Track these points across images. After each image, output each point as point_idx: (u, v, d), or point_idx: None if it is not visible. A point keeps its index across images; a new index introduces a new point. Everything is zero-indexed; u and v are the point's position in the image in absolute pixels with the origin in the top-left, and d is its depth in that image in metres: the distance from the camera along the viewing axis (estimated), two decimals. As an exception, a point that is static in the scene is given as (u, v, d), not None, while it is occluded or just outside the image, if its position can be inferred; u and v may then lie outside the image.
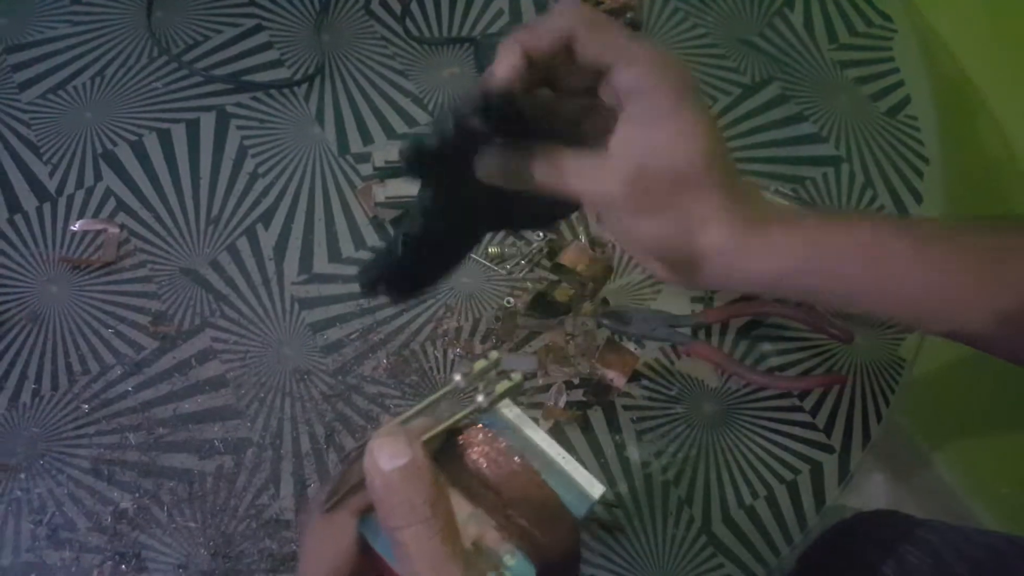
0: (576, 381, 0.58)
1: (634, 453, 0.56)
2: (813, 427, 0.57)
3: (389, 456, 0.30)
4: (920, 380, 0.60)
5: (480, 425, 0.35)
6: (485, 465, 0.34)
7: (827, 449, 0.57)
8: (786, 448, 0.57)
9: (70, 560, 0.51)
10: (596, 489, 0.35)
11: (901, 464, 1.25)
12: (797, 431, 0.57)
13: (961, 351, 1.07)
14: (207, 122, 0.67)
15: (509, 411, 0.36)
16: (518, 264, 0.62)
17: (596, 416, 0.57)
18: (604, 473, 0.55)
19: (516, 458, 0.34)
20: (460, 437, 0.35)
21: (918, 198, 0.67)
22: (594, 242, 0.63)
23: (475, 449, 0.34)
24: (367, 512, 0.33)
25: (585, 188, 0.36)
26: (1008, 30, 0.79)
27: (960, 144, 0.84)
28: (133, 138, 0.66)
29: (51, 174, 0.64)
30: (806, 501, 0.55)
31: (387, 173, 0.63)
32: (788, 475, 0.56)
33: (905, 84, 0.73)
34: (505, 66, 0.36)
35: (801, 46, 0.74)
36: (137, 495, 0.53)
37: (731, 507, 0.55)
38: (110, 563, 0.51)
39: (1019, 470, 1.09)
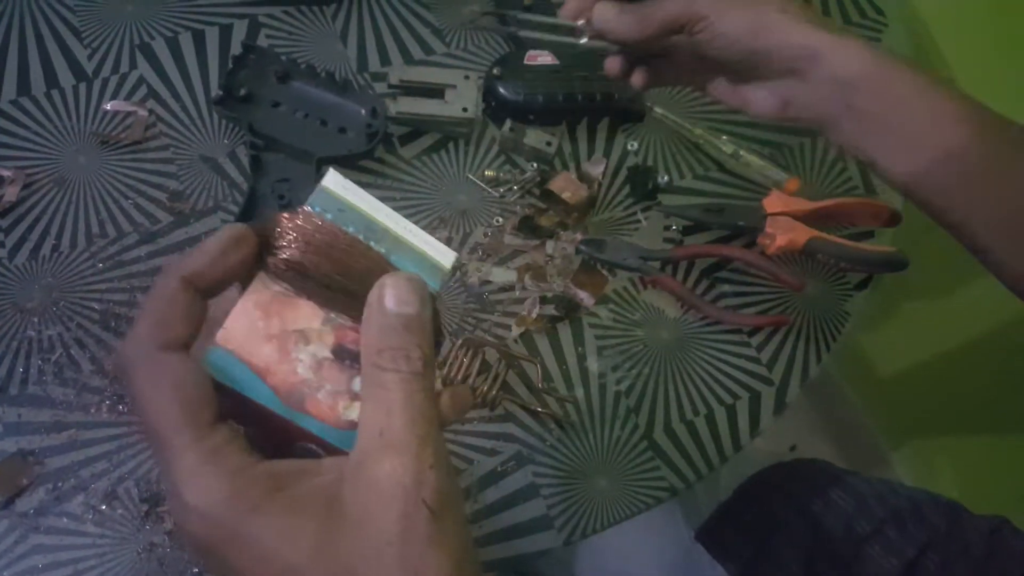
0: (550, 295, 0.61)
1: (593, 364, 0.60)
2: (757, 361, 0.61)
3: (398, 299, 0.29)
4: (862, 340, 0.64)
5: (307, 208, 0.31)
6: (324, 259, 0.31)
7: (767, 382, 0.61)
8: (731, 376, 0.61)
9: (72, 396, 0.55)
10: (448, 258, 0.33)
11: (833, 414, 1.30)
12: (742, 363, 0.61)
13: (900, 316, 1.11)
14: (239, 28, 0.70)
15: (337, 186, 0.32)
16: (511, 189, 0.66)
17: (563, 329, 0.61)
18: (564, 379, 0.59)
19: (355, 241, 0.31)
20: (287, 230, 0.31)
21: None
22: (583, 178, 0.66)
23: (307, 240, 0.31)
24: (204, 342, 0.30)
25: (679, 7, 0.47)
26: (997, 28, 0.82)
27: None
28: (169, 35, 0.69)
29: (90, 57, 0.67)
30: (742, 424, 0.59)
31: (400, 91, 0.67)
32: (728, 399, 0.60)
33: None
34: None
35: (796, 27, 0.78)
36: (139, 345, 0.57)
37: (673, 420, 0.59)
38: (108, 403, 0.55)
39: (938, 430, 1.13)
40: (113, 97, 0.66)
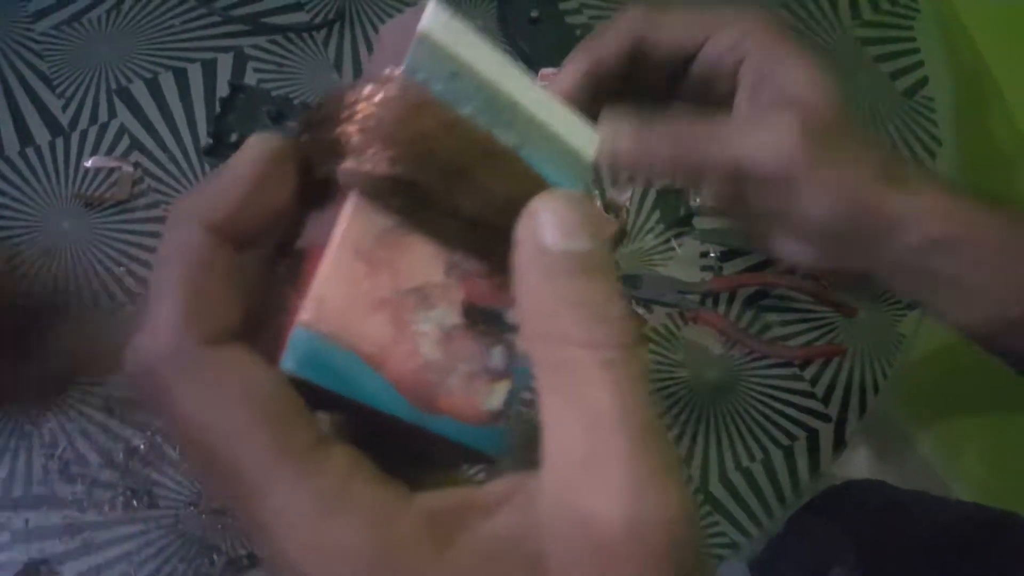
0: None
1: (638, 414, 0.55)
2: (812, 396, 0.57)
3: (563, 231, 0.19)
4: (912, 359, 0.60)
5: (402, 73, 0.19)
6: (440, 166, 0.19)
7: (824, 418, 0.56)
8: (785, 415, 0.56)
9: (82, 494, 0.50)
10: (590, 141, 0.22)
11: (886, 440, 1.26)
12: (796, 399, 0.57)
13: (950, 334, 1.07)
14: (224, 63, 0.64)
15: (446, 33, 0.20)
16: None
17: (602, 376, 0.56)
18: (608, 432, 0.54)
19: (479, 132, 0.20)
20: (373, 116, 0.19)
21: (927, 178, 0.65)
22: (608, 207, 0.61)
23: (413, 135, 0.19)
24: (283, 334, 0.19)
25: (756, 149, 0.31)
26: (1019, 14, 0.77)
27: (973, 129, 0.82)
28: (148, 76, 0.63)
29: (64, 108, 0.61)
30: (801, 466, 0.55)
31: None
32: (785, 441, 0.55)
33: (924, 66, 0.70)
34: (568, 78, 0.34)
35: (825, 21, 0.71)
36: (149, 433, 0.52)
37: (728, 469, 0.54)
38: (122, 498, 0.50)
39: (995, 452, 1.10)
40: (94, 151, 0.60)
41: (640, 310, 0.58)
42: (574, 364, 0.17)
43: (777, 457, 0.55)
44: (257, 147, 0.20)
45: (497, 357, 0.21)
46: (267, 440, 0.17)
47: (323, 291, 0.19)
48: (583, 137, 0.22)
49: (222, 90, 0.62)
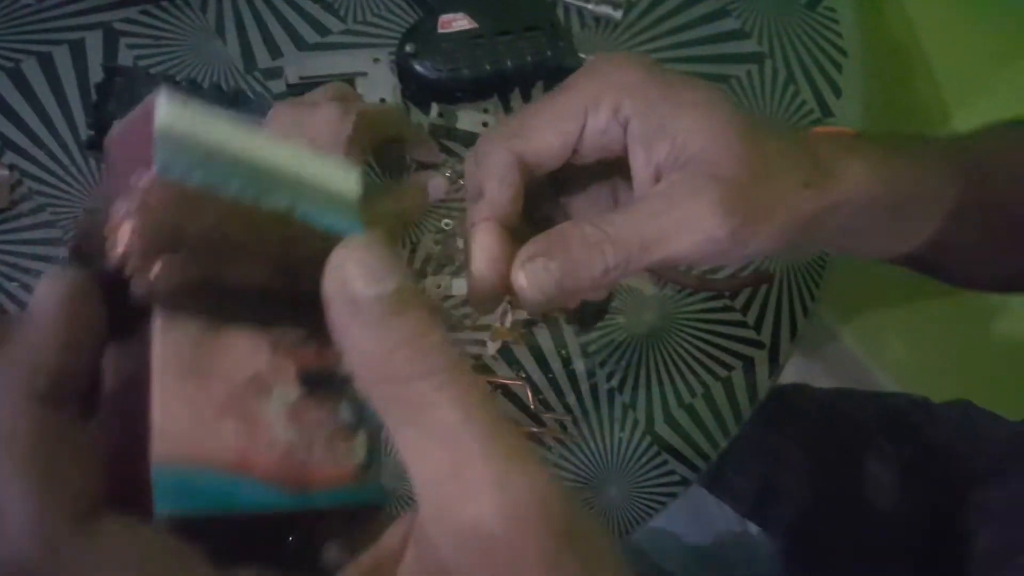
0: (519, 300, 0.55)
1: (579, 365, 0.54)
2: (744, 325, 0.57)
3: (368, 278, 0.19)
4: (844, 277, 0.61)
5: (155, 175, 0.18)
6: (228, 254, 0.19)
7: (758, 345, 0.57)
8: (720, 347, 0.56)
9: None
10: (350, 178, 0.22)
11: (811, 339, 1.31)
12: (730, 330, 0.57)
13: None
14: (94, 42, 0.57)
15: (183, 121, 0.19)
16: (454, 183, 0.57)
17: (541, 333, 0.55)
18: (553, 388, 0.54)
19: (251, 210, 0.20)
20: (143, 225, 0.18)
21: (837, 92, 0.65)
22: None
23: (185, 232, 0.18)
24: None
25: (676, 245, 0.28)
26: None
27: (875, 37, 0.81)
28: (9, 64, 0.56)
29: (-83, 112, 0.54)
30: (740, 395, 0.55)
31: (302, 91, 0.56)
32: (723, 372, 0.56)
33: (825, -25, 0.69)
34: (486, 246, 0.29)
35: (722, -66, 0.69)
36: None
37: (672, 407, 0.54)
38: None
39: (915, 340, 1.15)
40: (-39, 158, 0.54)
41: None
42: (414, 396, 0.18)
43: (716, 389, 0.55)
44: (54, 291, 0.18)
45: (345, 412, 0.21)
46: None
47: (162, 423, 0.18)
48: (343, 177, 0.22)
49: (95, 74, 0.56)
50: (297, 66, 0.55)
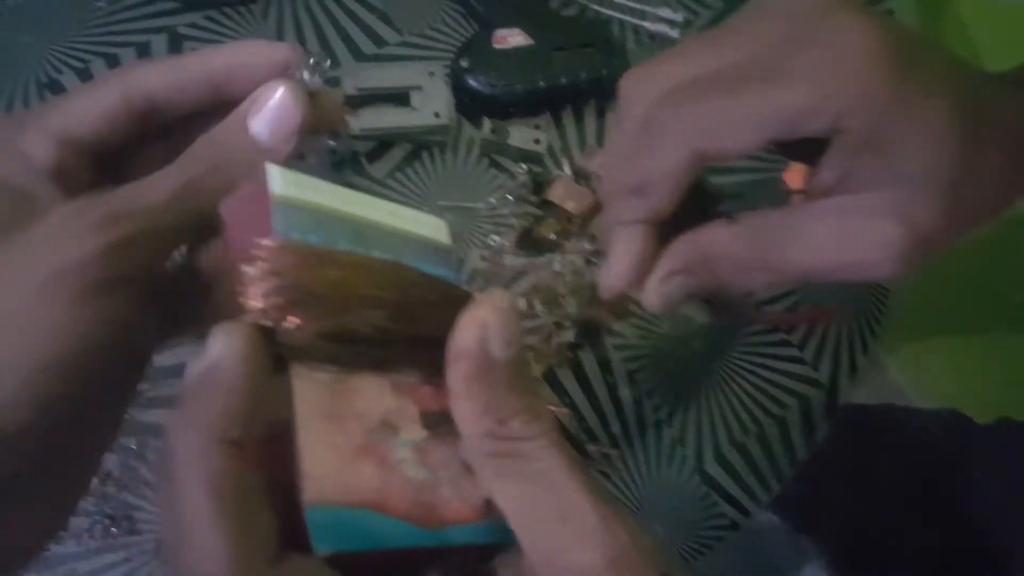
0: (567, 324, 0.53)
1: (626, 393, 0.52)
2: (802, 361, 0.54)
3: (504, 341, 0.20)
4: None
5: (277, 238, 0.20)
6: (350, 305, 0.21)
7: (815, 383, 0.53)
8: (776, 384, 0.53)
9: (55, 524, 0.47)
10: (442, 231, 0.25)
11: (883, 399, 1.26)
12: (786, 366, 0.54)
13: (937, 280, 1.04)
14: (158, 45, 0.58)
15: (295, 188, 0.22)
16: (503, 198, 0.55)
17: (587, 357, 0.53)
18: (597, 415, 0.51)
19: (364, 262, 0.22)
20: (270, 283, 0.20)
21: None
22: (579, 174, 0.56)
23: (309, 289, 0.20)
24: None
25: (850, 262, 0.25)
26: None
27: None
28: (80, 65, 0.57)
29: (-9, 108, 0.55)
30: (795, 436, 0.52)
31: (358, 102, 0.55)
32: (778, 411, 0.53)
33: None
34: (626, 264, 0.27)
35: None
36: (122, 455, 0.48)
37: (723, 445, 0.52)
38: (100, 526, 0.47)
39: (959, 369, 1.10)
40: (27, 157, 0.55)
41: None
42: (523, 452, 0.20)
43: (770, 428, 0.52)
44: (234, 355, 0.19)
45: (463, 450, 0.22)
46: None
47: (310, 467, 0.19)
48: (435, 226, 0.25)
49: (158, 78, 0.56)
50: (354, 79, 0.54)
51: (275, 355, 0.20)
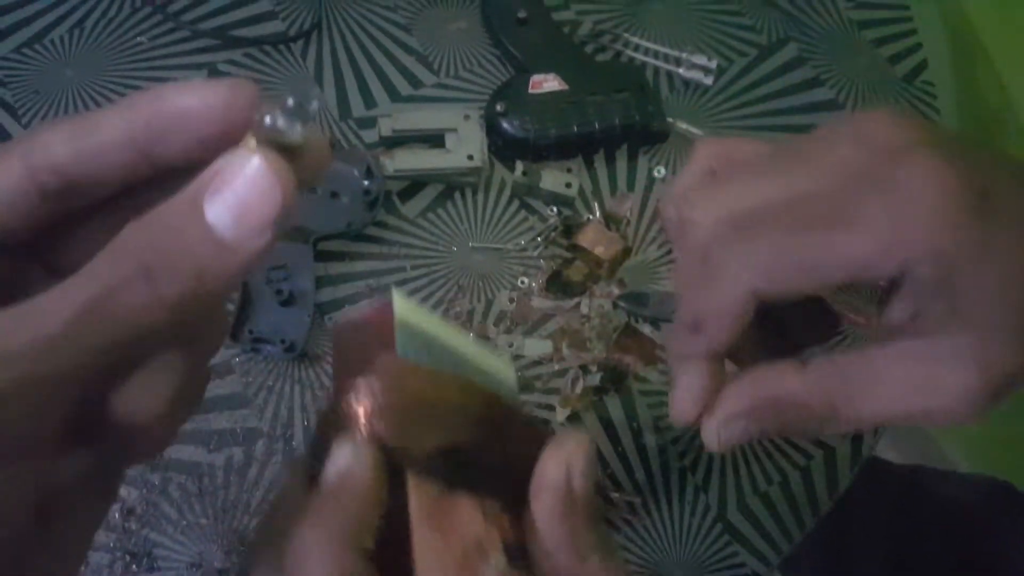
0: (593, 369, 0.53)
1: (651, 440, 0.52)
2: (827, 411, 0.54)
3: (583, 477, 0.23)
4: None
5: (398, 355, 0.22)
6: (458, 424, 0.23)
7: (840, 434, 0.53)
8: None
9: (79, 555, 0.47)
10: (510, 372, 0.26)
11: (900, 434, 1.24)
12: (811, 415, 0.54)
13: None
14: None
15: (412, 315, 0.23)
16: (533, 240, 0.56)
17: (612, 402, 0.53)
18: (621, 461, 0.51)
19: (468, 386, 0.23)
20: (387, 393, 0.22)
21: (936, 172, 0.62)
22: (609, 219, 0.57)
23: (429, 404, 0.22)
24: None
25: (927, 409, 0.24)
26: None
27: (973, 111, 0.77)
28: (118, 98, 0.58)
29: (31, 139, 0.56)
30: (819, 486, 0.52)
31: (393, 143, 0.56)
32: (802, 461, 0.53)
33: (923, 47, 0.66)
34: (689, 401, 0.27)
35: (819, 3, 0.67)
36: (144, 491, 0.48)
37: (746, 494, 0.51)
38: (120, 563, 0.47)
39: (998, 420, 1.09)
40: (66, 187, 0.55)
41: (648, 328, 0.54)
42: None
43: (794, 478, 0.52)
44: (363, 468, 0.21)
45: None
46: None
47: (424, 567, 0.21)
48: (506, 365, 0.26)
49: (197, 113, 0.57)
50: (390, 120, 0.55)
51: (389, 465, 0.21)
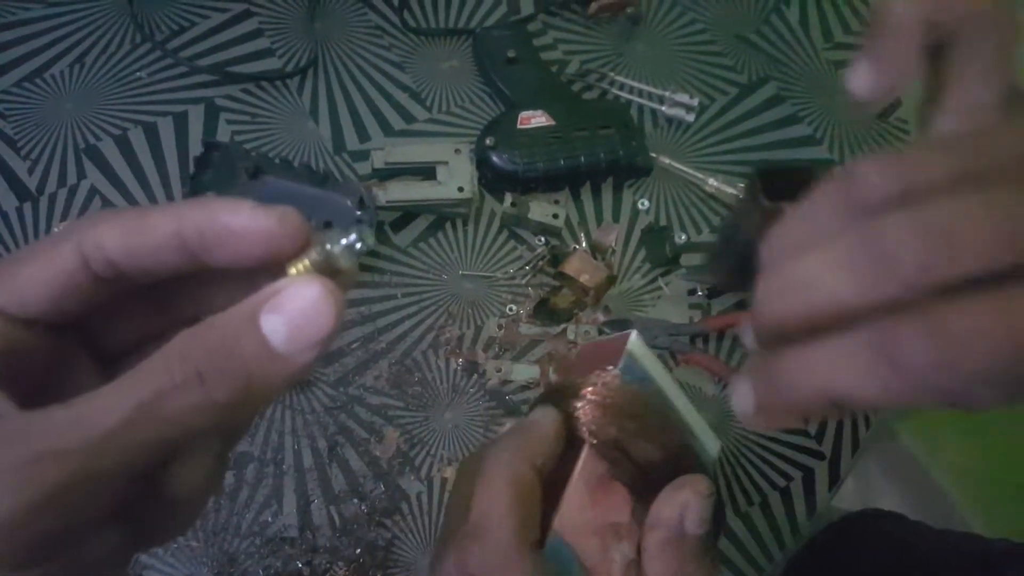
0: (580, 393, 0.55)
1: (635, 463, 0.54)
2: (805, 434, 0.56)
3: (700, 520, 0.27)
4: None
5: (617, 372, 0.30)
6: (640, 437, 0.29)
7: (818, 456, 0.55)
8: (780, 455, 0.55)
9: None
10: (714, 446, 0.33)
11: (895, 466, 1.26)
12: (790, 438, 0.56)
13: None
14: (195, 115, 0.61)
15: (641, 351, 0.31)
16: (521, 269, 0.58)
17: (598, 426, 0.55)
18: (606, 483, 0.53)
19: (663, 417, 0.31)
20: (599, 395, 0.30)
21: (907, 204, 0.65)
22: (595, 248, 0.59)
23: (624, 413, 0.30)
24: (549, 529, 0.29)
25: None
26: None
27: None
28: (117, 132, 0.60)
29: (31, 171, 0.58)
30: (799, 507, 0.54)
31: (386, 175, 0.59)
32: (781, 482, 0.55)
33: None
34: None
35: (797, 45, 0.70)
36: (139, 514, 0.49)
37: (728, 515, 0.53)
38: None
39: (973, 440, 1.11)
40: (64, 217, 0.57)
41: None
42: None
43: (774, 499, 0.54)
44: (552, 419, 0.31)
45: None
46: None
47: (568, 509, 0.28)
48: (710, 438, 0.32)
49: (195, 143, 0.60)
50: (383, 153, 0.58)
51: (576, 435, 0.30)
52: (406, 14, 0.66)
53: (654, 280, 0.59)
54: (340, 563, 0.49)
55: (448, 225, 0.59)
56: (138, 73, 0.62)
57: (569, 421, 0.30)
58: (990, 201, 0.18)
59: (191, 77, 0.62)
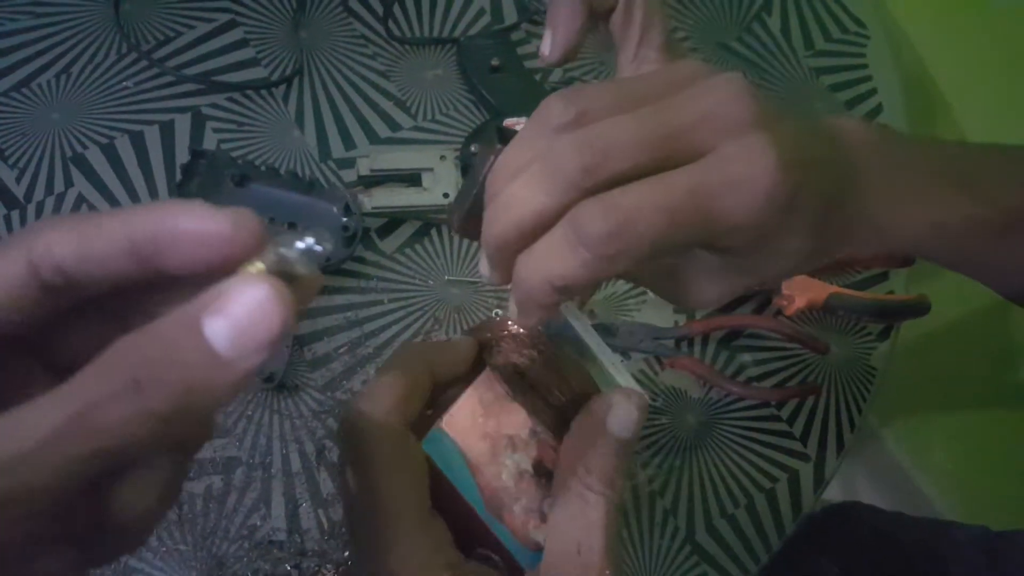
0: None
1: (621, 465, 0.55)
2: (790, 436, 0.57)
3: (622, 422, 0.28)
4: (890, 384, 0.60)
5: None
6: (545, 371, 0.31)
7: (803, 457, 0.56)
8: (765, 457, 0.56)
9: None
10: (626, 379, 0.32)
11: (880, 470, 1.27)
12: (775, 440, 0.57)
13: (928, 353, 1.07)
14: (182, 124, 0.62)
15: (565, 308, 0.32)
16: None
17: (584, 429, 0.55)
18: (592, 486, 0.54)
19: (574, 361, 0.32)
20: (510, 337, 0.32)
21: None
22: (579, 253, 0.60)
23: (534, 350, 0.31)
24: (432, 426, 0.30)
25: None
26: (978, 31, 0.78)
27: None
28: (104, 141, 0.61)
29: (18, 179, 0.59)
30: (784, 509, 0.55)
31: (371, 182, 0.60)
32: (767, 484, 0.55)
33: (878, 92, 0.71)
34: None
35: (779, 51, 0.72)
36: (125, 520, 0.50)
37: (714, 516, 0.54)
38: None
39: (960, 445, 1.12)
40: (51, 225, 0.58)
41: (619, 358, 0.57)
42: (590, 499, 0.28)
43: (760, 500, 0.55)
44: (467, 342, 0.32)
45: (546, 506, 0.30)
46: (413, 497, 0.27)
47: (457, 413, 0.30)
48: (624, 375, 0.32)
49: (181, 151, 0.61)
50: (368, 160, 0.59)
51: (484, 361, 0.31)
52: (391, 23, 0.67)
53: (638, 285, 0.60)
54: (329, 566, 0.49)
55: (434, 231, 0.60)
56: (124, 83, 0.63)
57: (482, 352, 0.32)
58: (635, 116, 0.25)
59: (177, 86, 0.63)
